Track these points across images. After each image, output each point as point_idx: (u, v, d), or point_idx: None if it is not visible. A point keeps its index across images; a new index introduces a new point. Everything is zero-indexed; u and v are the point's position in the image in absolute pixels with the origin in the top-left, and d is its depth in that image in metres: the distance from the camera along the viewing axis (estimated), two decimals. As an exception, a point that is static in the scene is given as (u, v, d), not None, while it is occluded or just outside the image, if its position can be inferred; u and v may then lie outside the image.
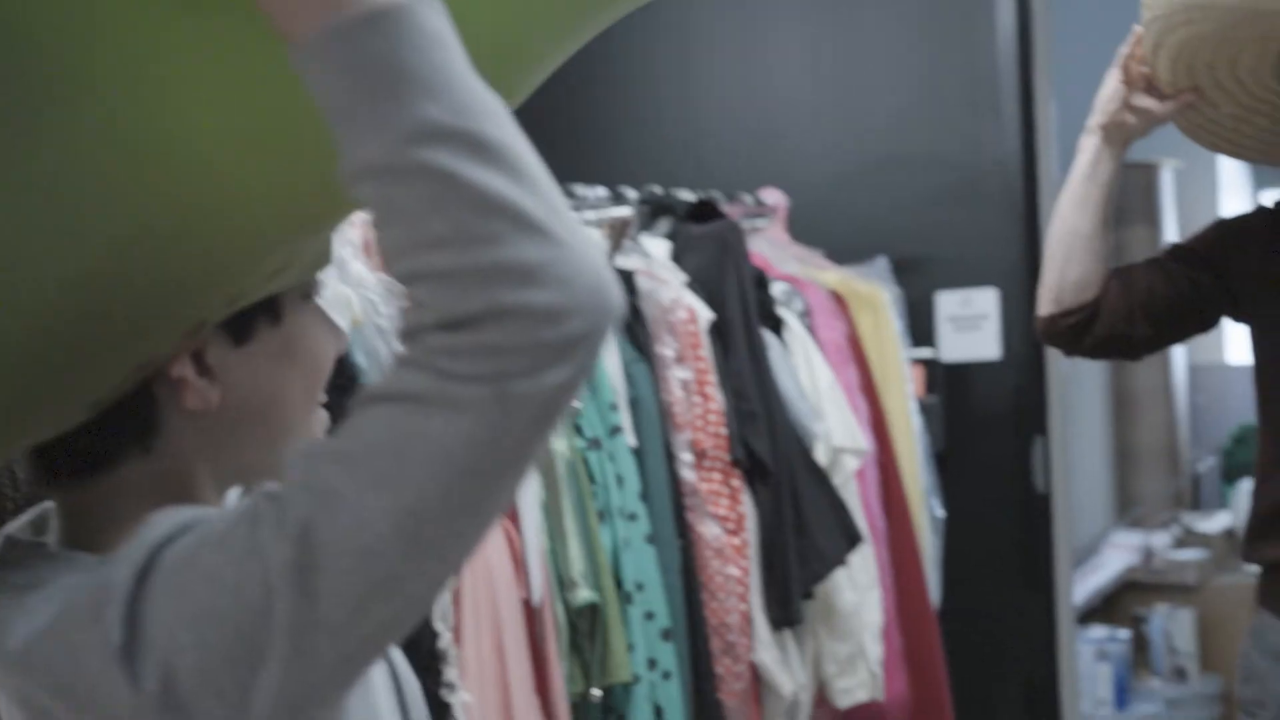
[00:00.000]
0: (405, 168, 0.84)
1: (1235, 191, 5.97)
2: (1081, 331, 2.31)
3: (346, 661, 0.90)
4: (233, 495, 1.15)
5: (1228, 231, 2.34)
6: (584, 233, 0.88)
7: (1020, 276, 3.91)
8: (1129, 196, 5.63)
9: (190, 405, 1.05)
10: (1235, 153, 2.43)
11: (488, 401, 0.84)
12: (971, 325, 3.92)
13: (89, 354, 0.97)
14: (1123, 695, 4.81)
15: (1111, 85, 2.28)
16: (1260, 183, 6.02)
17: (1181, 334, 2.38)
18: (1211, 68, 2.20)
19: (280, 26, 0.87)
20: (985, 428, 3.97)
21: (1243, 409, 5.61)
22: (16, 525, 1.10)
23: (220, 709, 0.89)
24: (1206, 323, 2.36)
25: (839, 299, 3.39)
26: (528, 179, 0.86)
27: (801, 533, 2.92)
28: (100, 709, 0.91)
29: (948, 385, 3.93)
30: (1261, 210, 2.34)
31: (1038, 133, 3.95)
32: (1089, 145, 2.31)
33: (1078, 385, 5.05)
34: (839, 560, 2.96)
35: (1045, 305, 2.34)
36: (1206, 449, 5.79)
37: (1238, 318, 2.33)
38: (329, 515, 0.86)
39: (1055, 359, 4.01)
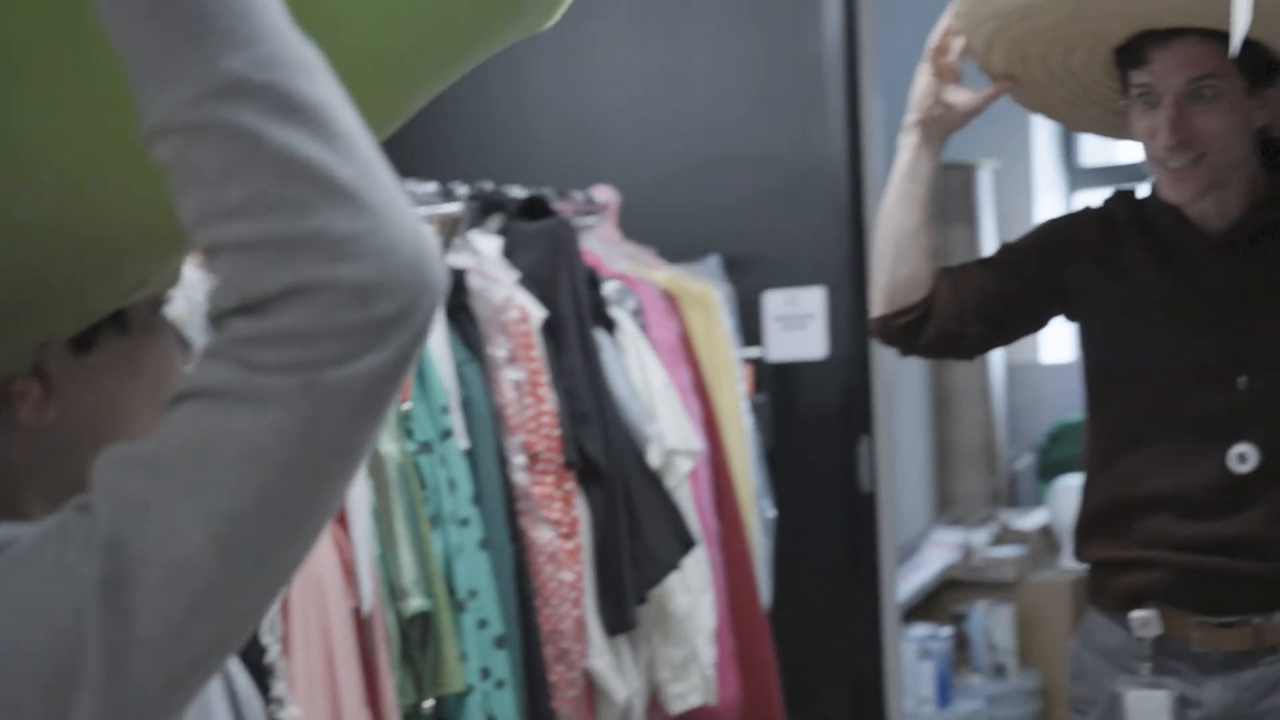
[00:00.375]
0: (204, 125, 0.76)
1: (1051, 191, 6.08)
2: (915, 331, 2.31)
3: (173, 684, 0.81)
4: None
5: (1059, 233, 2.36)
6: (404, 201, 0.79)
7: (847, 275, 3.93)
8: (948, 196, 5.70)
9: (24, 420, 0.97)
10: (1067, 124, 2.47)
11: (296, 392, 0.76)
12: (798, 324, 3.93)
13: None
14: (945, 692, 4.86)
15: (923, 81, 2.28)
16: (1075, 184, 6.15)
17: (1013, 334, 2.40)
18: (1045, 59, 2.23)
19: None
20: (812, 427, 3.98)
21: (1058, 408, 5.72)
22: None
23: None
24: (1038, 323, 2.38)
25: (670, 298, 3.37)
26: (340, 141, 0.77)
27: (636, 536, 2.88)
28: None
29: (775, 384, 3.93)
30: (1089, 211, 2.36)
31: (863, 131, 3.97)
32: (908, 143, 2.31)
33: (899, 385, 5.10)
34: (673, 565, 2.93)
35: (878, 306, 2.33)
36: (1023, 447, 5.88)
37: (1070, 318, 2.35)
38: (137, 525, 0.77)
39: (881, 359, 4.03)
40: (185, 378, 0.78)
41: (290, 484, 0.77)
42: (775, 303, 3.93)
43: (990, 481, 5.72)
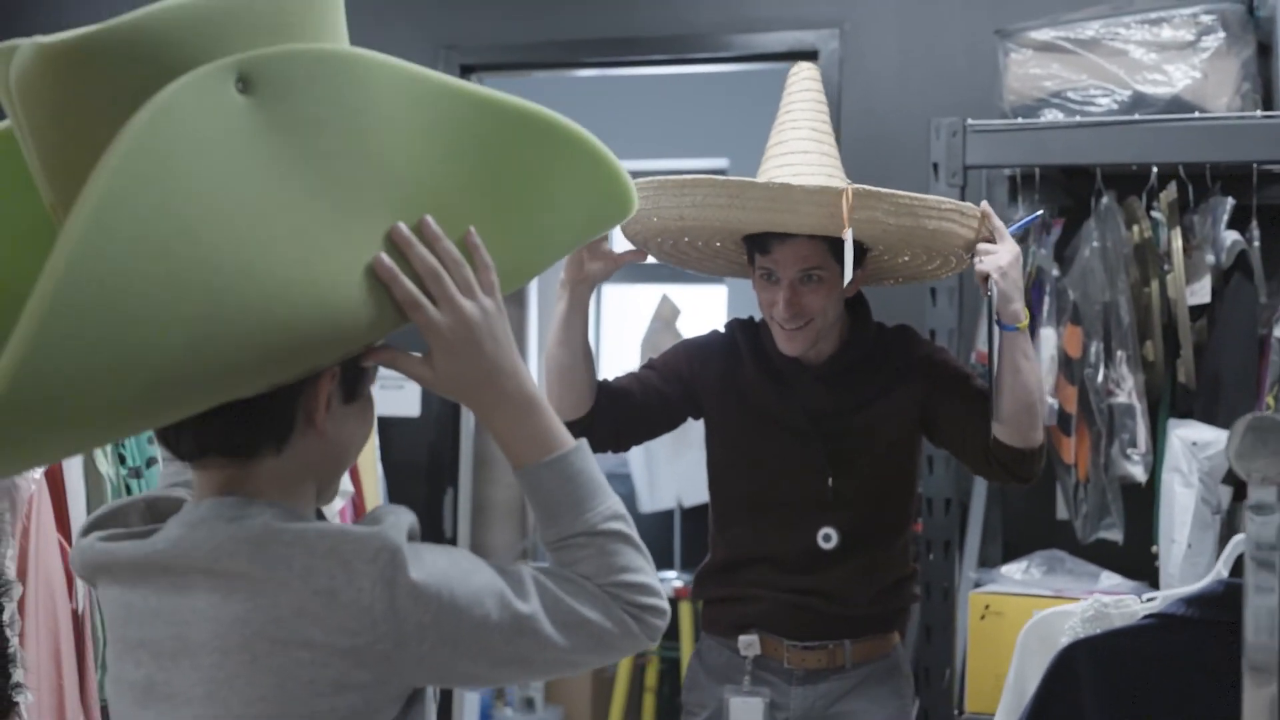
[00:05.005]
0: (604, 533, 1.49)
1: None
2: (585, 438, 2.80)
3: (451, 677, 1.45)
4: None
5: (692, 350, 2.93)
6: None
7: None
8: (500, 278, 6.29)
9: (318, 425, 1.46)
10: (695, 269, 3.04)
11: (637, 637, 1.49)
12: (395, 384, 4.39)
13: (274, 359, 1.36)
14: (485, 721, 5.42)
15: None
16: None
17: (655, 433, 2.93)
18: (686, 243, 2.81)
19: (514, 458, 1.51)
20: (404, 476, 4.45)
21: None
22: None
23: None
24: (674, 423, 2.93)
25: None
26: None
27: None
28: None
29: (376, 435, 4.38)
30: (716, 335, 2.95)
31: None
32: (562, 296, 2.73)
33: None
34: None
35: None
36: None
37: (698, 417, 2.93)
38: (538, 626, 1.43)
39: (468, 421, 4.56)
40: (595, 595, 1.47)
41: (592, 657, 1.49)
42: (375, 363, 4.38)
43: (522, 540, 6.31)
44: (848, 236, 2.49)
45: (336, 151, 1.35)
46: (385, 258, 1.40)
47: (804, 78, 2.79)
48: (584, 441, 1.55)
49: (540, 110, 1.50)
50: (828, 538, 2.79)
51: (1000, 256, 2.60)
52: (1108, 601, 1.98)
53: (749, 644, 2.82)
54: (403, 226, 1.42)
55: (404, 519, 1.43)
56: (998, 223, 2.66)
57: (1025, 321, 2.62)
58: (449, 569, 1.40)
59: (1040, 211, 3.11)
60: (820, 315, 2.72)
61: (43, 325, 1.19)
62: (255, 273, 1.29)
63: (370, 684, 1.39)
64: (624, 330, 6.87)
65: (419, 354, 1.49)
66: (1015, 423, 2.64)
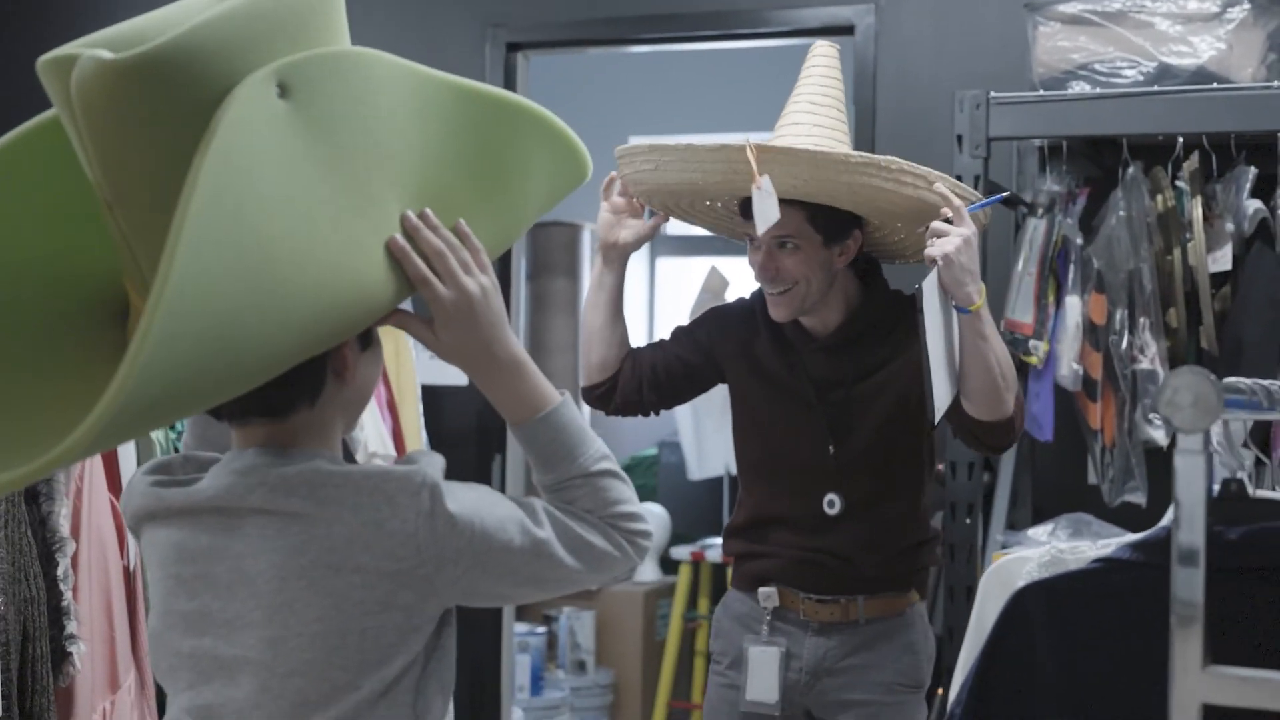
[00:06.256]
0: (596, 473, 1.69)
1: (639, 254, 6.86)
2: (607, 399, 2.96)
3: (478, 596, 1.67)
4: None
5: (716, 318, 3.06)
6: None
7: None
8: (554, 252, 6.42)
9: (345, 378, 1.66)
10: (725, 233, 3.14)
11: (631, 558, 1.70)
12: (444, 354, 4.51)
13: (323, 337, 1.56)
14: (537, 683, 5.53)
15: (603, 216, 2.88)
16: (658, 250, 6.98)
17: (681, 398, 3.08)
18: (692, 202, 2.92)
19: (510, 416, 1.69)
20: (453, 444, 4.57)
21: (635, 443, 6.47)
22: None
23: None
24: (699, 388, 3.06)
25: (365, 324, 3.90)
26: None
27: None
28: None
29: (423, 404, 4.50)
30: (741, 301, 3.06)
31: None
32: (598, 262, 2.92)
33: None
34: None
35: (582, 379, 2.98)
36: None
37: (722, 381, 3.04)
38: (552, 550, 1.64)
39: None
40: (590, 523, 1.67)
41: (593, 577, 1.70)
42: (425, 334, 4.50)
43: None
44: (760, 184, 2.59)
45: (356, 142, 1.54)
46: (399, 238, 1.60)
47: (817, 54, 2.88)
48: (568, 395, 1.73)
49: (506, 93, 1.72)
50: (831, 504, 2.88)
51: (948, 242, 2.60)
52: (1064, 548, 2.08)
53: (768, 596, 2.92)
54: (411, 214, 1.61)
55: (437, 460, 1.65)
56: (956, 202, 2.66)
57: (979, 303, 2.63)
58: (478, 501, 1.62)
59: (1005, 193, 3.16)
60: (803, 282, 2.79)
61: (157, 339, 1.35)
62: (308, 264, 1.48)
63: (412, 604, 1.60)
64: (676, 301, 6.97)
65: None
66: (981, 398, 2.69)
